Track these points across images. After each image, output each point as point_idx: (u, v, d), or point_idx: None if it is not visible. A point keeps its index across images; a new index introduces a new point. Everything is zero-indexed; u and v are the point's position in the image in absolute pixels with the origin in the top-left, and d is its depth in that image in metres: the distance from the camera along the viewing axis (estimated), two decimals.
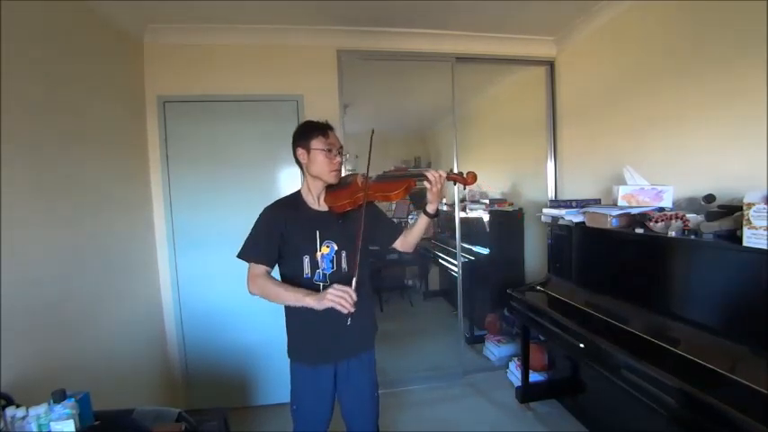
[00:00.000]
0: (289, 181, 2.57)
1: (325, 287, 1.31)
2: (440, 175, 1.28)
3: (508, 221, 3.43)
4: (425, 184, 1.30)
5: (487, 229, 3.59)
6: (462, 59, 2.76)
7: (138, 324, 2.21)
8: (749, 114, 1.57)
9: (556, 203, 2.42)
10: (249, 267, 1.33)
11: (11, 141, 1.37)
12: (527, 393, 2.50)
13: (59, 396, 1.10)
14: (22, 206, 1.42)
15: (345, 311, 1.17)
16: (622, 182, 1.98)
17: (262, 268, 1.32)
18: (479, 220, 3.69)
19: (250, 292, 1.32)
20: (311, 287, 1.32)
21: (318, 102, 2.53)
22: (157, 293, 2.46)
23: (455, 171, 1.33)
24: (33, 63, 1.52)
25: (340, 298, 1.16)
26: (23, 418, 1.05)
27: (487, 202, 3.59)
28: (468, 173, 1.32)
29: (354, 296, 1.18)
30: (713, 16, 1.73)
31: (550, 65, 2.92)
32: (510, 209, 3.45)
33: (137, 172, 2.32)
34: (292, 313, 1.38)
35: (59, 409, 1.07)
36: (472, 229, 3.77)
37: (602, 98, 2.45)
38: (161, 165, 2.43)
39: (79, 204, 1.76)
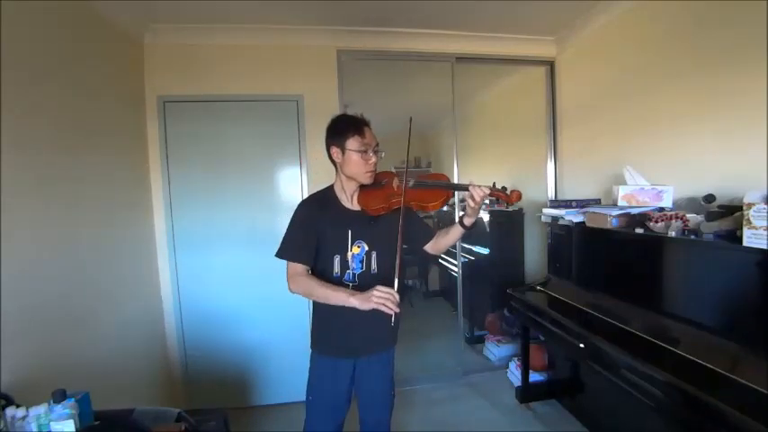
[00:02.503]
0: (289, 181, 2.57)
1: (354, 287, 1.32)
2: (484, 193, 1.24)
3: (508, 221, 3.43)
4: (468, 200, 1.27)
5: (487, 229, 3.59)
6: (462, 59, 2.76)
7: (138, 324, 2.21)
8: (749, 114, 1.56)
9: (556, 203, 2.42)
10: (288, 266, 1.32)
11: (11, 141, 1.37)
12: (527, 393, 2.50)
13: (59, 396, 1.10)
14: (22, 206, 1.42)
15: (390, 312, 1.16)
16: (622, 182, 1.98)
17: (301, 267, 1.31)
18: (479, 219, 3.68)
19: (290, 291, 1.31)
20: (340, 286, 1.32)
21: (318, 102, 2.53)
22: (157, 293, 2.46)
23: (498, 187, 1.27)
24: (33, 63, 1.52)
25: (386, 299, 1.16)
26: (23, 418, 1.04)
27: (487, 201, 3.58)
28: (512, 191, 1.26)
29: (398, 297, 1.17)
30: (713, 16, 1.73)
31: (550, 65, 2.92)
32: (510, 209, 3.44)
33: (137, 172, 2.31)
34: (321, 306, 1.36)
35: (59, 409, 1.07)
36: (472, 229, 3.76)
37: (602, 98, 2.45)
38: (161, 165, 2.43)
39: (79, 204, 1.76)
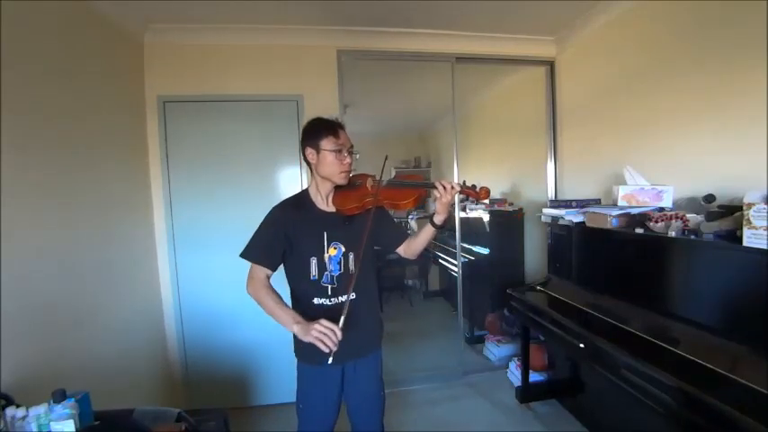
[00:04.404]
0: (289, 181, 2.57)
1: (333, 289, 1.32)
2: (451, 187, 1.24)
3: (508, 221, 3.43)
4: (435, 194, 1.27)
5: (487, 229, 3.59)
6: (462, 59, 2.76)
7: (138, 324, 2.21)
8: (749, 114, 1.57)
9: (556, 203, 2.42)
10: (250, 267, 1.32)
11: (11, 141, 1.37)
12: (527, 393, 2.50)
13: (59, 396, 1.10)
14: (22, 206, 1.42)
15: (326, 350, 1.14)
16: (622, 182, 1.98)
17: (262, 272, 1.31)
18: (479, 220, 3.69)
19: (247, 292, 1.31)
20: (318, 289, 1.32)
21: (318, 102, 2.53)
22: (157, 293, 2.46)
23: (468, 184, 1.28)
24: (33, 63, 1.52)
25: (324, 336, 1.14)
26: (23, 418, 1.04)
27: (487, 201, 3.59)
28: (481, 188, 1.27)
29: (339, 335, 1.15)
30: (713, 16, 1.73)
31: (550, 65, 2.92)
32: (510, 209, 3.44)
33: (137, 172, 2.32)
34: (299, 313, 1.34)
35: (59, 409, 1.07)
36: (472, 229, 3.77)
37: (602, 98, 2.45)
38: (161, 165, 2.43)
39: (79, 204, 1.76)
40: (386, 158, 1.35)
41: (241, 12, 2.24)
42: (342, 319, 1.17)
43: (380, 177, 1.31)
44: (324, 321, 1.16)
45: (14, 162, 1.38)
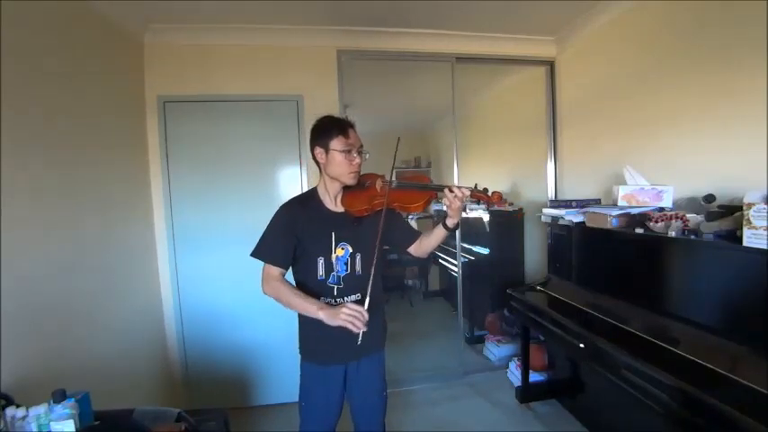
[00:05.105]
0: (289, 181, 2.57)
1: (339, 289, 1.32)
2: (462, 194, 1.22)
3: (508, 221, 3.43)
4: (444, 201, 1.25)
5: (487, 229, 3.59)
6: (462, 59, 2.76)
7: (138, 324, 2.21)
8: (749, 114, 1.56)
9: (556, 203, 2.42)
10: (264, 267, 1.31)
11: (10, 141, 1.37)
12: (527, 393, 2.50)
13: (59, 396, 1.10)
14: (21, 206, 1.42)
15: (357, 331, 1.17)
16: (622, 182, 1.98)
17: (276, 270, 1.30)
18: (479, 220, 3.69)
19: (264, 292, 1.31)
20: (324, 289, 1.31)
21: (318, 102, 2.52)
22: (157, 293, 2.46)
23: (479, 188, 1.26)
24: (33, 63, 1.52)
25: (354, 318, 1.16)
26: (23, 418, 1.05)
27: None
28: (494, 192, 1.25)
29: (367, 316, 1.17)
30: (713, 16, 1.73)
31: (550, 65, 2.92)
32: (510, 209, 3.44)
33: (137, 172, 2.31)
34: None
35: (59, 409, 1.07)
36: (472, 229, 3.77)
37: (602, 98, 2.45)
38: (161, 165, 2.43)
39: (79, 204, 1.76)
40: (398, 141, 1.35)
41: (241, 12, 2.24)
42: (366, 301, 1.19)
43: (393, 163, 1.29)
44: (350, 305, 1.19)
45: (14, 162, 1.38)
